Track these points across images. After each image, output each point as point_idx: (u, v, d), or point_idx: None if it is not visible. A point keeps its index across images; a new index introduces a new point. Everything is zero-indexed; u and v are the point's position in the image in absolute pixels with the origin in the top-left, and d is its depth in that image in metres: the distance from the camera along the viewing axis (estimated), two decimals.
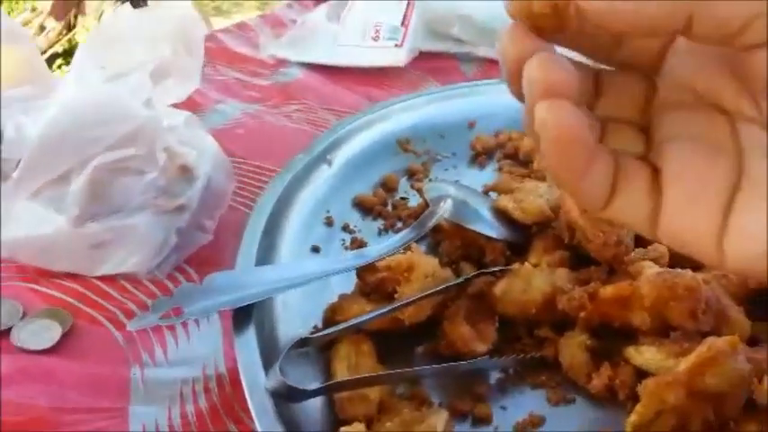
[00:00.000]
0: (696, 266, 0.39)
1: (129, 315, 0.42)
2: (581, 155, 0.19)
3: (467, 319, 0.41)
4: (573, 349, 0.40)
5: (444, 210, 0.46)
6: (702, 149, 0.21)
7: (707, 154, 0.20)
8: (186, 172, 0.42)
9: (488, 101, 0.64)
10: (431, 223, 0.46)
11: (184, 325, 0.41)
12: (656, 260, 0.40)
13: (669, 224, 0.20)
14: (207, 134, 0.46)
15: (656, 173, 0.21)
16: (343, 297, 0.42)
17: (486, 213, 0.48)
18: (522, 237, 0.47)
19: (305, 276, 0.41)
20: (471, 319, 0.41)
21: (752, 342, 0.38)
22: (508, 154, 0.61)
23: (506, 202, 0.47)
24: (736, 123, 0.21)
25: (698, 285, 0.36)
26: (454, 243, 0.47)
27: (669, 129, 0.22)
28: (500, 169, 0.59)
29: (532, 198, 0.47)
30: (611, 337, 0.40)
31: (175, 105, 0.59)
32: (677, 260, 0.40)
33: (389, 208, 0.54)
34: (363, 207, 0.53)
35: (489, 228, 0.46)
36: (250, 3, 2.57)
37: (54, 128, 0.38)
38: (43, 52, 1.85)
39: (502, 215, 0.48)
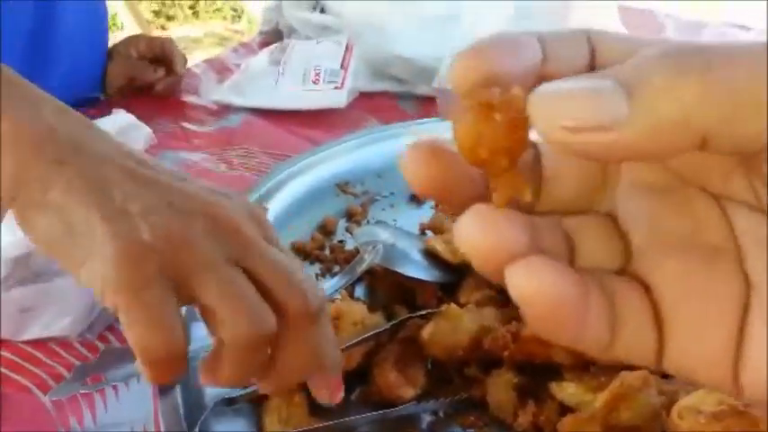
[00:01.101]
0: None
1: (59, 379, 0.41)
2: (575, 315, 0.16)
3: (397, 364, 0.41)
4: (500, 388, 0.41)
5: (374, 254, 0.47)
6: (696, 256, 0.17)
7: (702, 260, 0.17)
8: None
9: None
10: (361, 269, 0.46)
11: (114, 387, 0.41)
12: None
13: (677, 358, 0.17)
14: None
15: (647, 291, 0.17)
16: None
17: (417, 255, 0.49)
18: (452, 277, 0.48)
19: None
20: (401, 363, 0.42)
21: (668, 375, 0.40)
22: None
23: (436, 243, 0.49)
24: (727, 209, 0.17)
25: None
26: (386, 286, 0.48)
27: (646, 226, 0.18)
28: (436, 207, 0.60)
29: None
30: (539, 374, 0.41)
31: None
32: None
33: (327, 252, 0.55)
34: (301, 252, 0.54)
35: (419, 270, 0.47)
36: (210, 40, 2.59)
37: None
38: None
39: (432, 256, 0.49)
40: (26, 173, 0.29)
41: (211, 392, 0.39)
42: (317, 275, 0.52)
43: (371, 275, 0.50)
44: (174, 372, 0.28)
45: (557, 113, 0.14)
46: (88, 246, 0.28)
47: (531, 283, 0.15)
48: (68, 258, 0.29)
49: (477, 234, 0.16)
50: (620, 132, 0.14)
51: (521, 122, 0.15)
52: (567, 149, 0.15)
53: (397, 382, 0.40)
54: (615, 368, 0.38)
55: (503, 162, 0.16)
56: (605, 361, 0.38)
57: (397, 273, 0.47)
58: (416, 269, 0.47)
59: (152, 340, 0.27)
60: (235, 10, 2.86)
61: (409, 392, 0.40)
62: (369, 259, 0.47)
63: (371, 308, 0.45)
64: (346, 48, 0.77)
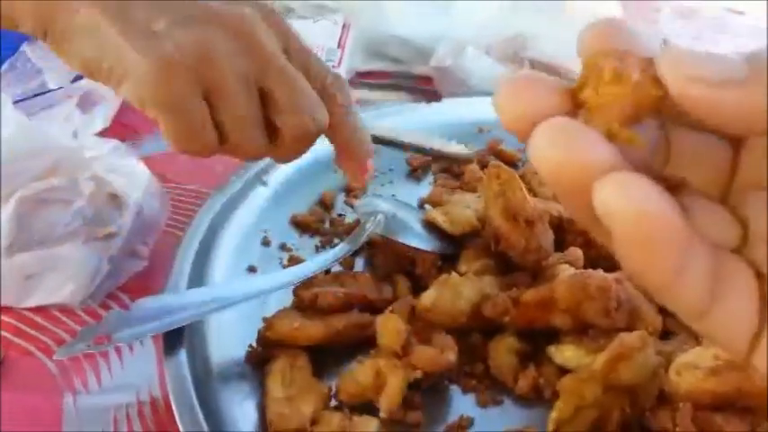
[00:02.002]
0: (608, 267, 0.41)
1: (62, 344, 0.42)
2: (673, 248, 0.14)
3: (424, 342, 0.41)
4: (501, 353, 0.42)
5: (376, 224, 0.48)
6: None
7: None
8: (115, 199, 0.43)
9: (423, 117, 0.66)
10: (362, 239, 0.47)
11: (118, 351, 0.41)
12: (571, 263, 0.42)
13: None
14: (137, 161, 0.46)
15: (761, 279, 0.16)
16: (277, 314, 0.43)
17: (417, 226, 0.49)
18: (451, 247, 0.48)
19: (237, 296, 0.41)
20: (423, 339, 0.41)
21: (665, 335, 0.41)
22: (443, 167, 0.63)
23: (436, 215, 0.49)
24: None
25: (609, 285, 0.38)
26: (387, 257, 0.48)
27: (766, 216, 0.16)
28: (435, 182, 0.60)
29: (461, 210, 0.49)
30: (538, 339, 0.42)
31: (114, 131, 0.60)
32: (592, 262, 0.42)
33: (327, 225, 0.55)
34: (301, 225, 0.54)
35: (419, 240, 0.48)
36: None
37: None
38: None
39: (432, 227, 0.49)
40: (49, 7, 0.31)
41: (217, 356, 0.39)
42: (317, 248, 0.53)
43: (371, 247, 0.50)
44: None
45: (685, 66, 0.15)
46: (121, 66, 0.31)
47: (633, 195, 0.14)
48: (108, 79, 0.32)
49: (559, 147, 0.14)
50: (742, 89, 0.14)
51: (651, 83, 0.15)
52: (693, 105, 0.14)
53: (433, 355, 0.39)
54: (613, 330, 0.39)
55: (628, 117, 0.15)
56: (605, 326, 0.39)
57: (397, 243, 0.47)
58: (417, 239, 0.48)
59: (188, 146, 0.33)
60: None
61: (452, 356, 0.40)
62: (370, 229, 0.47)
63: (374, 276, 0.46)
64: (343, 27, 0.77)
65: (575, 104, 0.16)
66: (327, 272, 0.47)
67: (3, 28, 0.32)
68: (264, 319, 0.42)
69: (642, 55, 0.15)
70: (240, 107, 0.33)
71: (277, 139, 0.36)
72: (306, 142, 0.37)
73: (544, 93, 0.16)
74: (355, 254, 0.49)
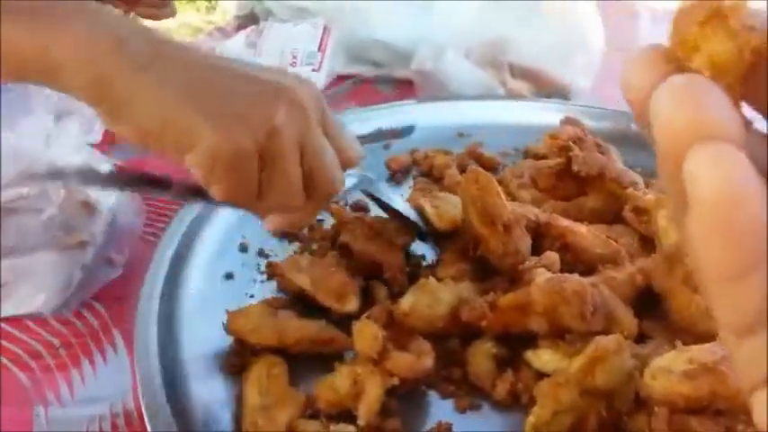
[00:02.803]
0: (584, 271, 0.41)
1: (34, 356, 0.41)
2: (761, 238, 0.13)
3: (402, 348, 0.41)
4: (478, 358, 0.41)
5: (368, 180, 0.48)
6: None
7: None
8: (88, 207, 0.42)
9: (404, 120, 0.66)
10: (352, 185, 0.47)
11: (91, 362, 0.41)
12: (548, 267, 0.42)
13: None
14: (109, 168, 0.46)
15: None
16: (240, 309, 0.42)
17: (402, 201, 0.50)
18: (430, 239, 0.49)
19: None
20: (399, 345, 0.41)
21: (641, 339, 0.41)
22: (423, 171, 0.63)
23: (425, 203, 0.49)
24: None
25: (584, 289, 0.38)
26: (357, 261, 0.47)
27: None
28: (414, 186, 0.60)
29: (449, 207, 0.49)
30: (516, 344, 0.42)
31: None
32: (568, 266, 0.42)
33: (305, 231, 0.55)
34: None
35: (405, 210, 0.48)
36: (184, 31, 2.56)
37: None
38: None
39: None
40: (108, 83, 0.32)
41: (191, 362, 0.39)
42: (294, 253, 0.52)
43: (344, 250, 0.49)
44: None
45: None
46: (189, 138, 0.33)
47: (726, 168, 0.12)
48: (166, 148, 0.33)
49: (686, 102, 0.13)
50: None
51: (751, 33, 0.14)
52: None
53: (410, 361, 0.39)
54: (590, 334, 0.39)
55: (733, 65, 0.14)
56: (581, 330, 0.39)
57: (383, 204, 0.48)
58: (404, 208, 0.48)
59: (236, 200, 0.36)
60: (209, 1, 2.83)
61: (429, 362, 0.40)
62: (361, 181, 0.47)
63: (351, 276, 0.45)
64: (324, 30, 0.77)
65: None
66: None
67: (33, 80, 0.33)
68: (228, 312, 0.41)
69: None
70: (293, 174, 0.36)
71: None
72: (328, 201, 0.42)
73: (661, 64, 0.15)
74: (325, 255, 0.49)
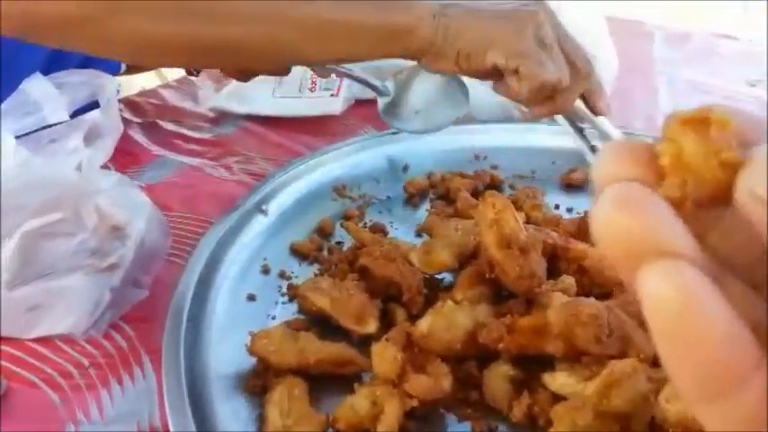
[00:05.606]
0: (601, 294, 0.42)
1: (65, 376, 0.42)
2: (734, 355, 0.12)
3: (418, 371, 0.41)
4: (495, 380, 0.42)
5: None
6: None
7: None
8: (118, 231, 0.44)
9: (420, 145, 0.68)
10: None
11: (119, 382, 0.42)
12: (564, 290, 0.43)
13: None
14: (140, 193, 0.47)
15: None
16: (261, 332, 0.43)
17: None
18: None
19: None
20: (418, 367, 0.42)
21: (656, 362, 0.41)
22: (440, 194, 0.64)
23: (414, 256, 0.49)
24: None
25: (600, 312, 0.39)
26: (377, 283, 0.48)
27: None
28: (432, 208, 0.61)
29: (439, 250, 0.49)
30: (533, 367, 0.43)
31: (115, 161, 0.61)
32: (584, 289, 0.43)
33: (325, 253, 0.56)
34: (300, 253, 0.55)
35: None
36: None
37: None
38: None
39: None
40: (444, 28, 0.52)
41: (216, 382, 0.40)
42: (315, 275, 0.53)
43: (363, 272, 0.50)
44: None
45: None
46: (489, 41, 0.52)
47: (680, 283, 0.12)
48: (471, 56, 0.52)
49: (626, 213, 0.13)
50: None
51: (728, 144, 0.14)
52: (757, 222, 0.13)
53: (428, 383, 0.40)
54: (606, 357, 0.39)
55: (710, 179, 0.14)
56: (597, 352, 0.40)
57: None
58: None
59: (542, 80, 0.52)
60: None
61: (447, 384, 0.40)
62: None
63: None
64: None
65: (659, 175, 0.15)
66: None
67: (389, 55, 0.54)
68: (250, 333, 0.42)
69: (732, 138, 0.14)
70: (559, 54, 0.53)
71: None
72: (586, 83, 0.57)
73: (630, 159, 0.15)
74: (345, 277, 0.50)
